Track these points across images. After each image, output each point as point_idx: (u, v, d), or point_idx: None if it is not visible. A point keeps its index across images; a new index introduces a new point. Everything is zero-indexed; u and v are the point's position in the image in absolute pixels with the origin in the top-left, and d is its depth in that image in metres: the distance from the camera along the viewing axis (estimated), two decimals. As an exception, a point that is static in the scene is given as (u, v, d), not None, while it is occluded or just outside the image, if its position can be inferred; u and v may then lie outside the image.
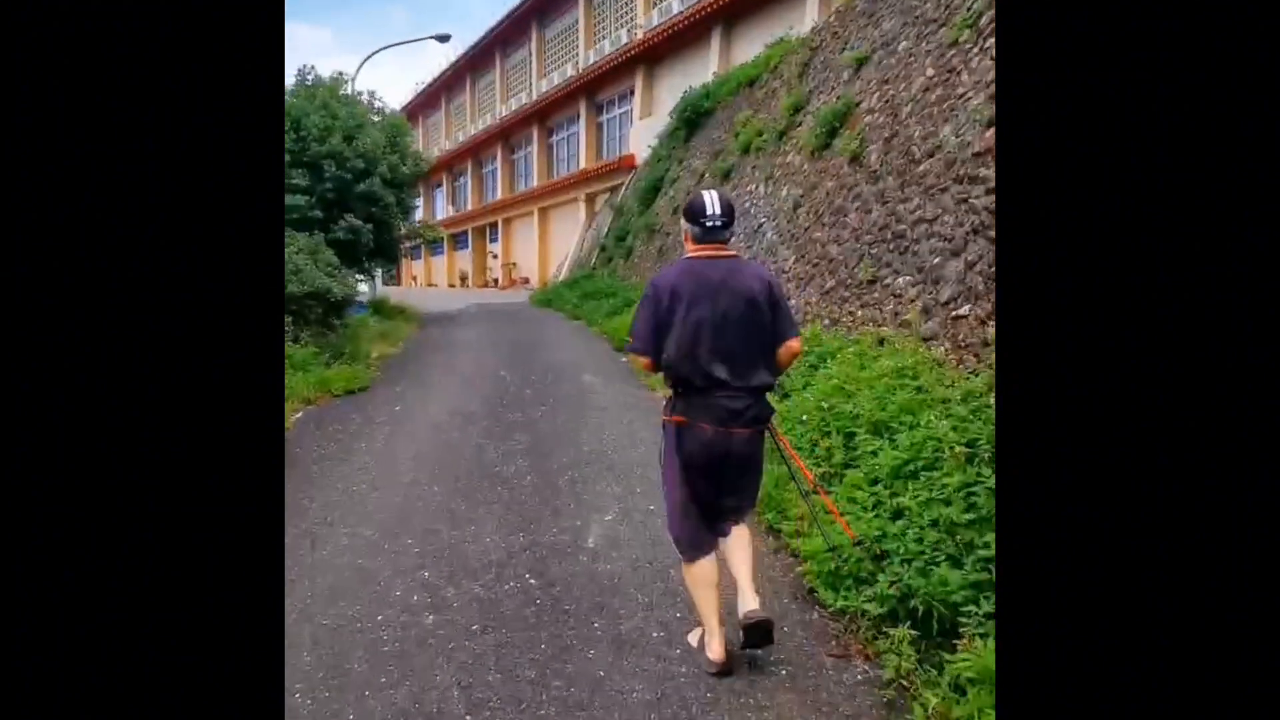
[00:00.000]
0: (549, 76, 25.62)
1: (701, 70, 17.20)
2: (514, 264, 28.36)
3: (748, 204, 9.52)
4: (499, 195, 29.05)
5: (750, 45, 15.76)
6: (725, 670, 2.28)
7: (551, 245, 25.67)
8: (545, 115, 25.85)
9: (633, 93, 21.28)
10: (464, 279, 32.34)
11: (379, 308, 13.70)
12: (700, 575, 2.34)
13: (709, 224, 2.24)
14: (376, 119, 13.35)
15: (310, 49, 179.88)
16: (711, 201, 2.25)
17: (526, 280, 26.80)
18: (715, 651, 2.28)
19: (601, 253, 18.82)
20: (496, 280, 29.18)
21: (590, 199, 22.83)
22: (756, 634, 2.24)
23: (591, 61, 22.24)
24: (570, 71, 23.80)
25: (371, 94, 13.61)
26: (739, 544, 2.38)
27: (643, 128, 19.97)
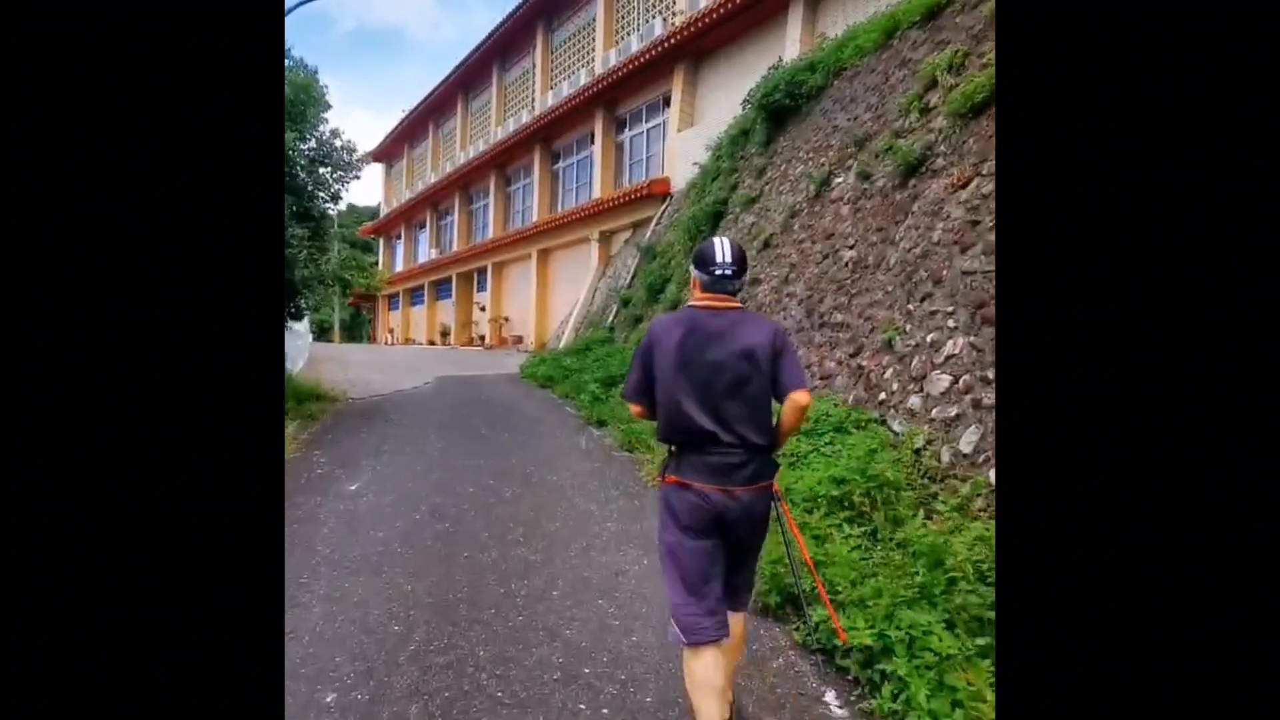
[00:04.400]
0: (557, 88, 20.61)
1: (771, 57, 12.00)
2: (505, 319, 22.84)
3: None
4: (490, 234, 23.73)
5: (853, 9, 10.64)
6: None
7: (553, 296, 20.20)
8: (550, 136, 20.75)
9: (666, 101, 16.16)
10: (445, 335, 26.78)
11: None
12: (700, 674, 1.97)
13: (719, 272, 2.07)
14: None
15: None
16: (722, 249, 2.09)
17: (519, 340, 21.26)
18: None
19: (625, 309, 13.34)
20: (483, 338, 23.63)
21: (606, 238, 17.47)
22: None
23: (613, 63, 17.19)
24: (585, 78, 18.75)
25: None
26: (730, 643, 2.05)
27: (682, 143, 14.77)
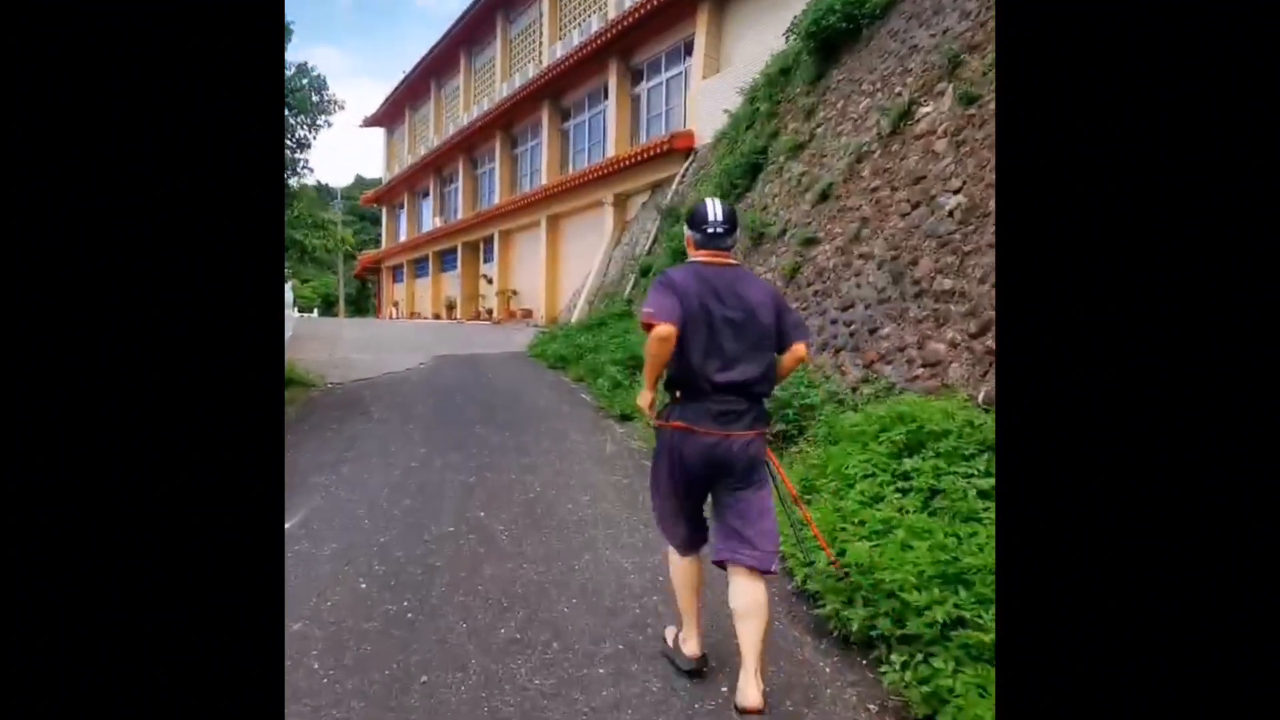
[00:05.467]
0: (567, 37, 18.87)
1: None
2: (513, 291, 21.37)
3: None
4: (497, 201, 22.15)
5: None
6: (699, 669, 2.24)
7: (564, 266, 18.70)
8: (559, 91, 19.06)
9: (689, 48, 14.47)
10: (450, 308, 25.37)
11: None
12: (685, 575, 2.26)
13: (711, 230, 2.20)
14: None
15: (324, 71, 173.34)
16: (714, 208, 2.22)
17: (529, 313, 19.83)
18: (691, 649, 2.26)
19: (644, 278, 11.88)
20: (491, 311, 22.21)
21: (621, 201, 15.90)
22: None
23: (629, 4, 15.45)
24: (597, 24, 17.01)
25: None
26: (753, 609, 2.06)
27: (707, 91, 13.12)
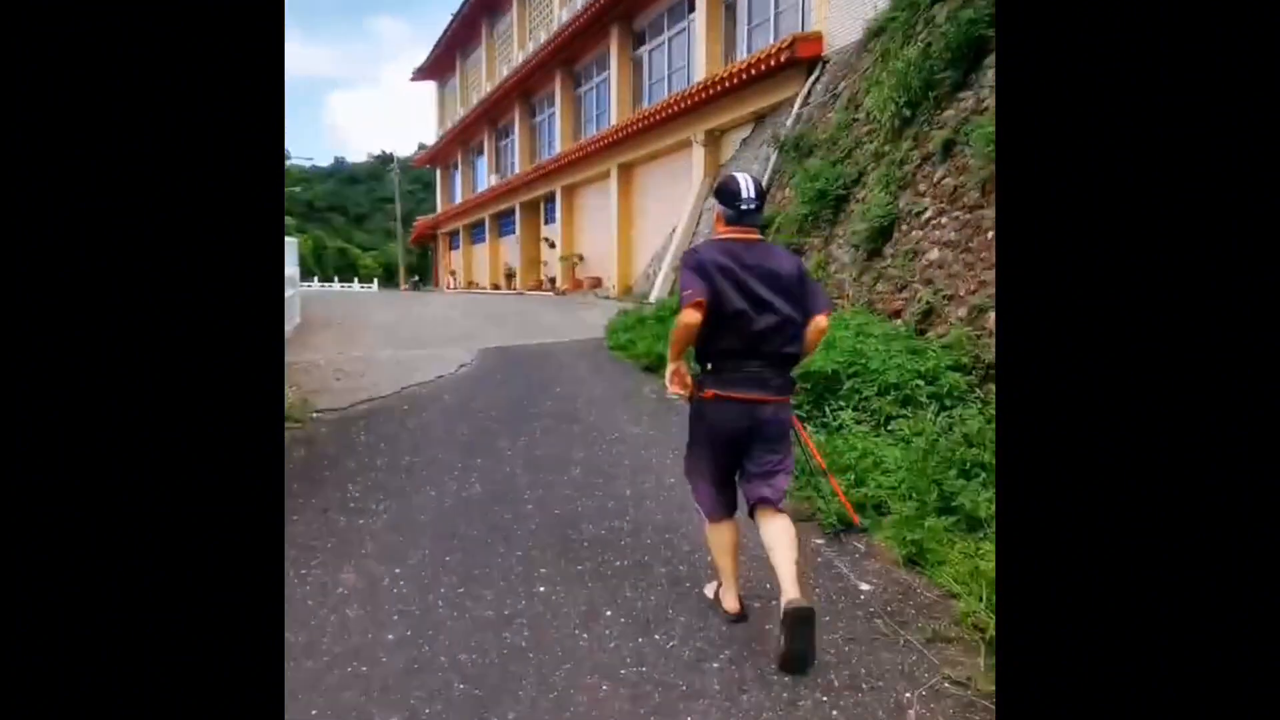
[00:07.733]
0: (637, -60, 15.32)
1: None
2: (579, 257, 18.31)
3: None
4: (558, 150, 18.99)
5: None
6: (741, 618, 2.44)
7: (639, 224, 15.51)
8: (629, 11, 15.63)
9: (805, -75, 10.79)
10: (509, 277, 22.60)
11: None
12: (721, 539, 2.44)
13: (744, 206, 2.30)
14: None
15: (389, 42, 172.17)
16: (746, 184, 2.31)
17: (598, 282, 16.80)
18: (731, 604, 2.47)
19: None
20: (553, 281, 19.28)
21: (714, 138, 12.55)
22: (798, 621, 2.10)
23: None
24: (677, -87, 13.40)
25: None
26: (782, 538, 2.29)
27: (840, -26, 9.50)
